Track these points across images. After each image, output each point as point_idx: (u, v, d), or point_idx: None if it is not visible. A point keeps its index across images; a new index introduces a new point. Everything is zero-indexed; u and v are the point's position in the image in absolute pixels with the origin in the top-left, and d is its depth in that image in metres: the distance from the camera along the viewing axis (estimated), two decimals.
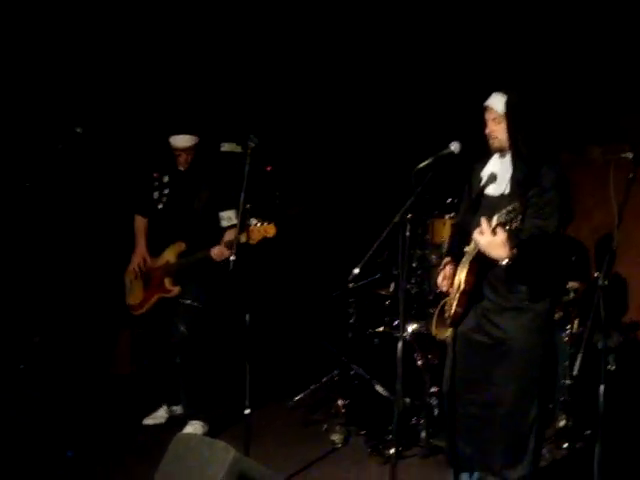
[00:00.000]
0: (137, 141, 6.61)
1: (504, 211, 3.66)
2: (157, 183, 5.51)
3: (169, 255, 5.39)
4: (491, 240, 3.70)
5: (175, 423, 5.36)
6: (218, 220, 5.30)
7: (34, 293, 6.38)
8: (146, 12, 6.57)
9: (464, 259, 3.97)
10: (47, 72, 6.48)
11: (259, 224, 4.82)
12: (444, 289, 4.13)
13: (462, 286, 3.94)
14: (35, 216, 6.40)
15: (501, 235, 3.68)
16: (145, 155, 6.18)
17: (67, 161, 5.82)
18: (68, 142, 5.56)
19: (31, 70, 6.42)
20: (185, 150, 5.35)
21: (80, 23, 6.47)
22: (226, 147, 5.87)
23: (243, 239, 4.77)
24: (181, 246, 5.35)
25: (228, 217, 5.25)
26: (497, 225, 3.67)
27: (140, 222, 5.62)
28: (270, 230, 4.87)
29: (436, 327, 4.41)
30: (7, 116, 6.38)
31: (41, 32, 6.39)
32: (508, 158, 3.97)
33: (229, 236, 5.15)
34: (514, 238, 3.71)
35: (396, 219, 3.93)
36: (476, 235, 3.77)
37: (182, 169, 5.42)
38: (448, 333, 4.17)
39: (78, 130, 5.50)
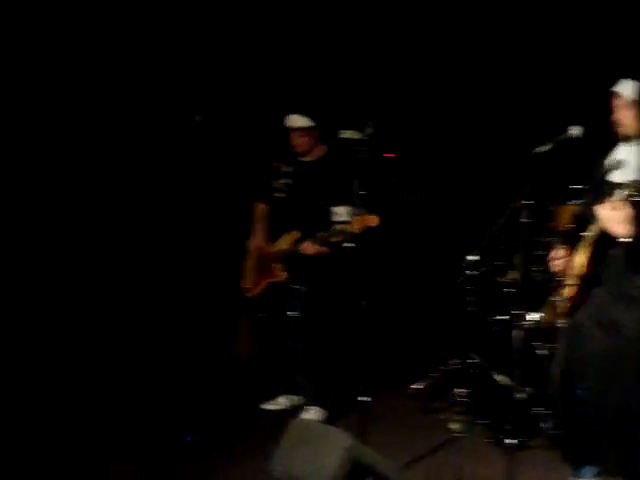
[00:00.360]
0: (258, 130, 6.69)
1: (628, 187, 3.55)
2: (278, 172, 5.61)
3: (283, 243, 5.50)
4: (614, 215, 3.58)
5: (295, 410, 5.40)
6: (331, 216, 5.32)
7: (157, 278, 6.55)
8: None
9: (582, 243, 3.85)
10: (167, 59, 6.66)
11: (362, 214, 4.82)
12: (556, 270, 4.03)
13: (580, 271, 3.82)
14: (157, 204, 6.61)
15: (624, 210, 3.55)
16: (267, 145, 6.26)
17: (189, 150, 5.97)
18: (189, 131, 5.69)
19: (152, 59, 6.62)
20: (298, 130, 5.41)
21: (199, 14, 6.61)
22: (346, 134, 5.86)
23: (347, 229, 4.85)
24: (295, 235, 5.43)
25: (339, 213, 5.26)
26: (620, 200, 3.56)
27: (260, 209, 5.74)
28: (373, 220, 4.87)
29: (551, 314, 4.30)
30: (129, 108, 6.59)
31: (163, 25, 6.57)
32: (635, 145, 3.85)
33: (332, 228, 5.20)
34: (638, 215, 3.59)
35: (513, 205, 3.86)
36: (598, 210, 3.66)
37: (304, 159, 5.52)
38: (563, 321, 4.06)
39: (198, 118, 5.62)
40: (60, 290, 6.38)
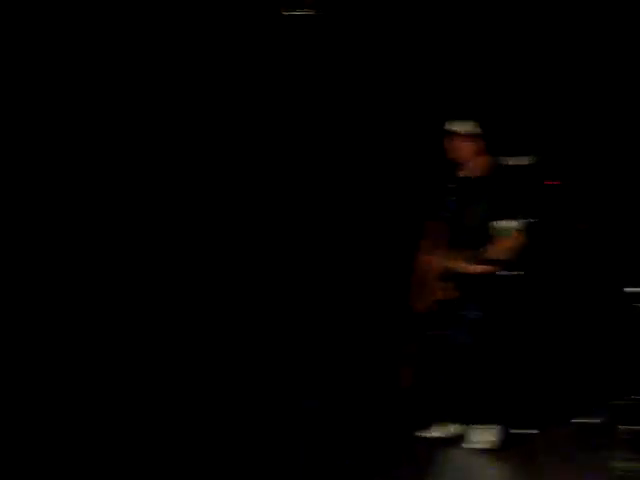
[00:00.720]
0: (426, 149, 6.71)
1: None
2: (445, 189, 5.61)
3: (446, 261, 5.43)
4: None
5: (452, 439, 5.34)
6: (492, 232, 5.26)
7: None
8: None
9: None
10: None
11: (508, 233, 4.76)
12: None
13: None
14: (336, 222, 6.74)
15: None
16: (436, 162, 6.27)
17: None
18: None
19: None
20: (457, 136, 5.39)
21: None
22: (512, 161, 5.79)
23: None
24: (458, 254, 5.38)
25: (501, 228, 5.18)
26: None
27: (432, 226, 5.71)
28: (518, 238, 4.76)
29: None
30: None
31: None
32: None
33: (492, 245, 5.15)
34: None
35: None
36: None
37: (467, 175, 5.48)
38: None
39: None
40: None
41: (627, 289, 3.95)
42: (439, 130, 5.54)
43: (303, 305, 6.85)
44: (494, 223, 5.21)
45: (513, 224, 4.99)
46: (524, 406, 4.47)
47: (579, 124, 6.67)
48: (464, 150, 5.42)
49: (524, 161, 4.98)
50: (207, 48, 6.63)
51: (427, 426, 5.53)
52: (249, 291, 6.89)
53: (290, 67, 6.82)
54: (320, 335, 6.69)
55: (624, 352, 5.46)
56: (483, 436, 5.21)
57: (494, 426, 5.23)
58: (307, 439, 5.47)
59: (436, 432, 5.49)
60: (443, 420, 5.51)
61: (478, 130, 5.37)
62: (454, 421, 5.44)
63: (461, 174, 5.53)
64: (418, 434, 5.50)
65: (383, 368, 6.42)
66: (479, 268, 5.23)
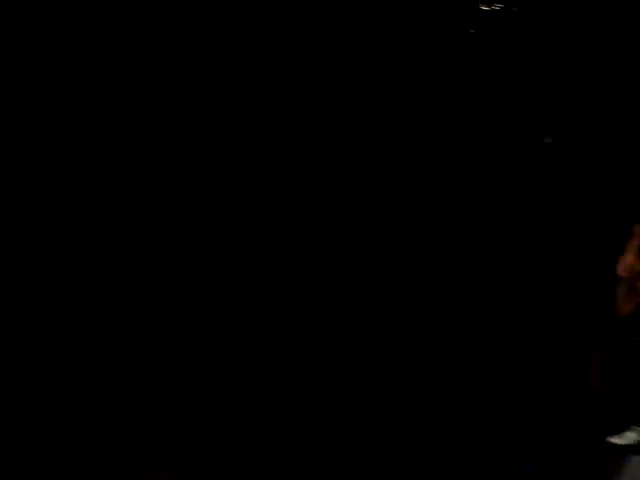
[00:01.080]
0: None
1: None
2: None
3: None
4: None
5: None
6: None
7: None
8: None
9: None
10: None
11: None
12: None
13: None
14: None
15: None
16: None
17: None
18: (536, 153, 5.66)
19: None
20: None
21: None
22: None
23: None
24: None
25: None
26: None
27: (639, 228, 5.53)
28: None
29: None
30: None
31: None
32: None
33: None
34: None
35: None
36: None
37: None
38: None
39: (547, 140, 5.59)
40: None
41: None
42: None
43: (508, 302, 6.76)
44: None
45: None
46: None
47: None
48: None
49: None
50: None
51: (620, 432, 5.34)
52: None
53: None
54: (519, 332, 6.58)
55: None
56: None
57: None
58: (487, 437, 5.41)
59: (626, 439, 5.27)
60: (635, 425, 5.30)
61: None
62: None
63: None
64: (608, 440, 5.31)
65: (577, 371, 6.24)
66: None
